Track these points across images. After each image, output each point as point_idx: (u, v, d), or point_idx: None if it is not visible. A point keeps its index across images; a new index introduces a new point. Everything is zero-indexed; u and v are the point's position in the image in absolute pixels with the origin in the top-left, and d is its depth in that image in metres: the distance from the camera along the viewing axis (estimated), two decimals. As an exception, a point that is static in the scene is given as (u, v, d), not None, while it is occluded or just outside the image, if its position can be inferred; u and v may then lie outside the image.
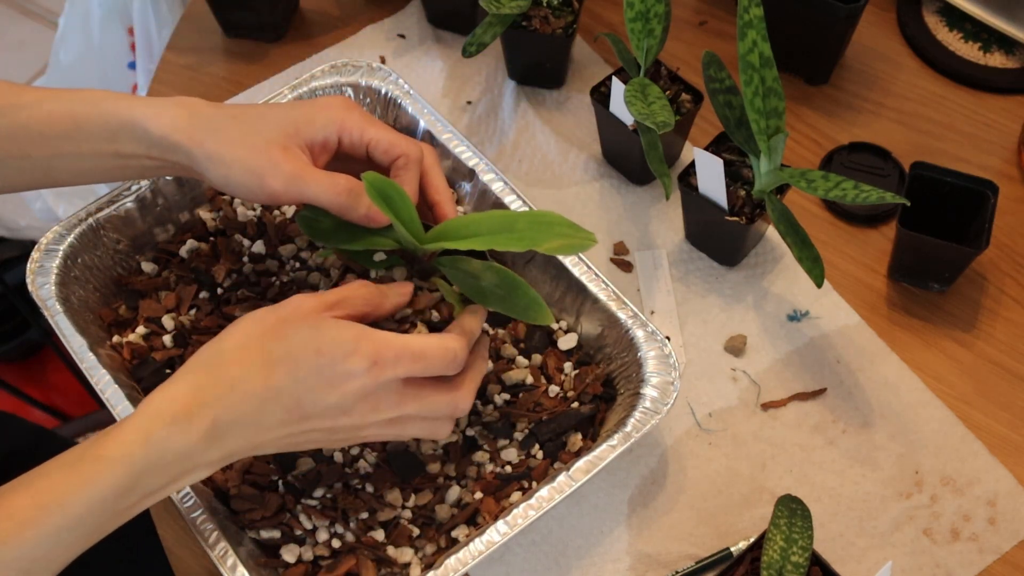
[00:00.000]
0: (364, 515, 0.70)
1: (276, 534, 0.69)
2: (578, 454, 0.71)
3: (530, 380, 0.75)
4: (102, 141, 0.67)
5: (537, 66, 0.95)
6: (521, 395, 0.75)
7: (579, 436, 0.73)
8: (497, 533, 0.66)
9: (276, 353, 0.58)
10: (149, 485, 0.56)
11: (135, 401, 0.71)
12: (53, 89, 0.69)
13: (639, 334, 0.73)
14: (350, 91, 0.86)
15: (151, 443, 0.56)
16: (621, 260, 0.87)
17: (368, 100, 0.86)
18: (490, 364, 0.76)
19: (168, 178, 0.80)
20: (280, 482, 0.71)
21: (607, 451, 0.69)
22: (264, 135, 0.66)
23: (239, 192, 0.67)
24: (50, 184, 0.71)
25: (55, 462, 0.56)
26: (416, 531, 0.70)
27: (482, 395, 0.75)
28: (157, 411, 0.57)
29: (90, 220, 0.78)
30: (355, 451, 0.72)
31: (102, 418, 1.37)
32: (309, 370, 0.58)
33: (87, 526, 0.55)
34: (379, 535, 0.69)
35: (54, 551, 0.55)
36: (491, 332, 0.77)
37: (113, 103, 0.67)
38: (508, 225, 0.64)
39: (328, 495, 0.70)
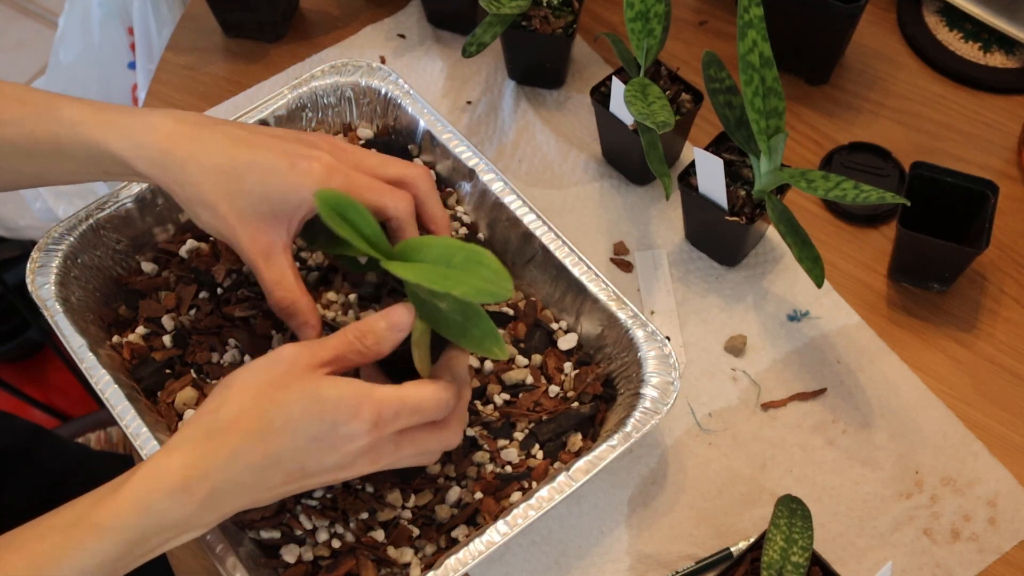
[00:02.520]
0: (364, 515, 0.70)
1: (276, 534, 0.69)
2: (578, 454, 0.71)
3: (530, 380, 0.75)
4: (87, 164, 0.67)
5: (537, 66, 0.95)
6: (521, 395, 0.75)
7: (579, 436, 0.73)
8: (497, 533, 0.66)
9: (276, 422, 0.57)
10: (143, 549, 0.56)
11: (135, 401, 0.71)
12: (32, 102, 0.67)
13: (639, 334, 0.73)
14: (350, 91, 0.85)
15: (149, 514, 0.55)
16: (621, 260, 0.87)
17: (368, 100, 0.86)
18: (489, 364, 0.76)
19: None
20: (280, 482, 0.71)
21: (607, 451, 0.69)
22: (237, 206, 0.65)
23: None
24: (40, 184, 0.72)
25: (50, 522, 0.56)
26: (416, 531, 0.70)
27: (482, 395, 0.75)
28: (156, 482, 0.56)
29: (90, 220, 0.78)
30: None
31: (102, 418, 1.37)
32: (310, 437, 0.57)
33: None
34: (379, 535, 0.69)
35: None
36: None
37: (90, 130, 0.66)
38: (448, 256, 0.62)
39: (328, 495, 0.70)
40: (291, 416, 0.57)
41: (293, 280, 0.66)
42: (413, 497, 0.71)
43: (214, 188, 0.64)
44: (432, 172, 0.73)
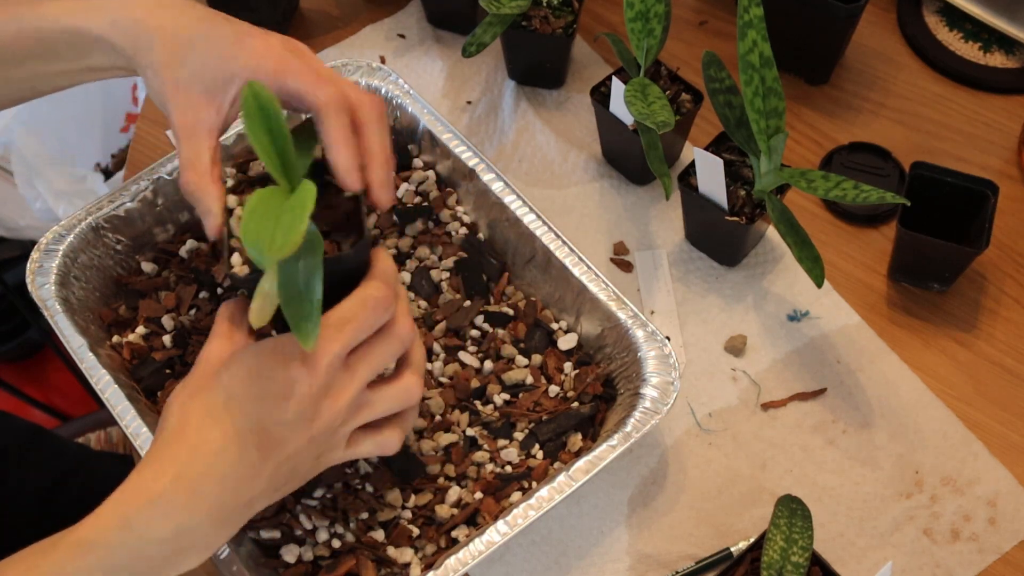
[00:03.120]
0: (364, 515, 0.70)
1: (276, 534, 0.69)
2: (578, 454, 0.71)
3: (530, 380, 0.75)
4: (72, 57, 0.66)
5: (537, 66, 0.95)
6: (521, 395, 0.75)
7: (579, 436, 0.73)
8: (497, 533, 0.66)
9: (217, 402, 0.56)
10: (139, 569, 0.54)
11: (135, 401, 0.71)
12: (15, 3, 0.66)
13: (639, 334, 0.73)
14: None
15: (131, 528, 0.53)
16: (621, 260, 0.87)
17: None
18: (489, 364, 0.76)
19: (168, 177, 0.80)
20: (280, 482, 0.71)
21: (607, 451, 0.69)
22: (177, 74, 0.62)
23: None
24: (35, 96, 0.70)
25: (33, 548, 0.54)
26: (416, 531, 0.70)
27: (482, 395, 0.75)
28: (132, 495, 0.54)
29: (90, 220, 0.78)
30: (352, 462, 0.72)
31: (102, 418, 1.37)
32: (256, 398, 0.55)
33: None
34: (379, 535, 0.69)
35: None
36: (491, 331, 0.77)
37: (72, 18, 0.64)
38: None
39: (328, 495, 0.70)
40: (230, 391, 0.56)
41: (208, 164, 0.61)
42: (413, 497, 0.71)
43: (165, 53, 0.62)
44: (383, 102, 0.66)
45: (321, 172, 0.61)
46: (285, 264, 0.54)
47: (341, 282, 0.58)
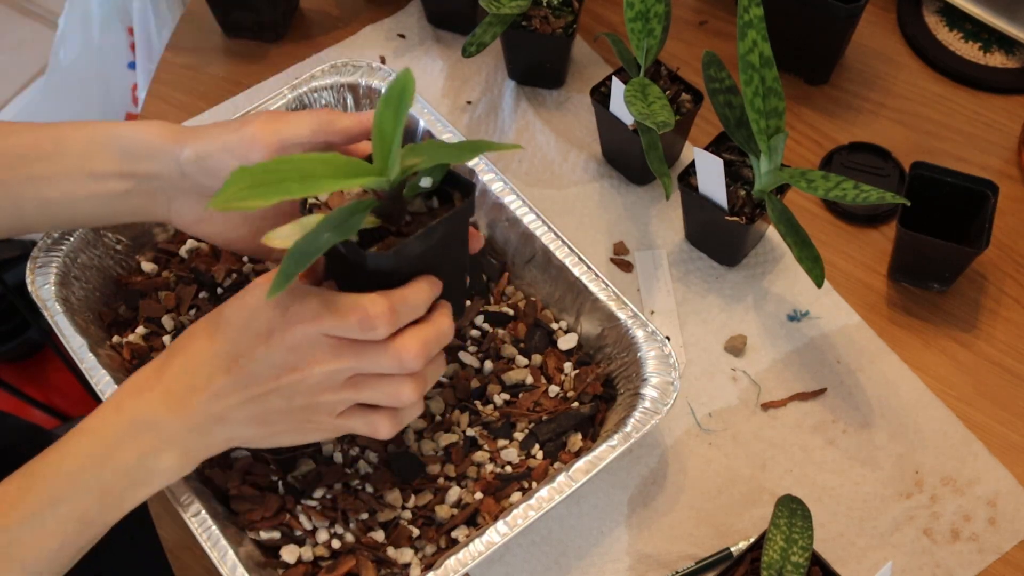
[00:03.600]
0: (364, 515, 0.70)
1: (276, 535, 0.69)
2: (578, 454, 0.71)
3: (530, 380, 0.75)
4: (77, 158, 0.66)
5: (537, 66, 0.95)
6: (521, 395, 0.75)
7: (579, 436, 0.73)
8: (497, 533, 0.66)
9: (216, 320, 0.61)
10: (124, 460, 0.59)
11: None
12: (53, 123, 0.68)
13: (639, 334, 0.73)
14: (350, 91, 0.85)
15: (121, 411, 0.60)
16: (621, 260, 0.87)
17: (368, 100, 0.86)
18: (489, 364, 0.76)
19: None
20: (280, 483, 0.71)
21: (607, 451, 0.69)
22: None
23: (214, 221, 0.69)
24: (19, 224, 0.69)
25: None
26: (416, 531, 0.69)
27: (482, 395, 0.75)
28: (129, 386, 0.61)
29: (90, 220, 0.78)
30: (355, 451, 0.72)
31: (102, 418, 1.37)
32: (240, 328, 0.59)
33: (68, 504, 0.58)
34: (379, 535, 0.69)
35: (40, 535, 0.57)
36: (491, 331, 0.77)
37: (101, 123, 0.68)
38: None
39: (328, 495, 0.70)
40: (226, 314, 0.60)
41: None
42: (413, 497, 0.71)
43: (226, 125, 0.68)
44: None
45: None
46: (321, 227, 0.56)
47: (373, 278, 0.60)
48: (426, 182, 0.61)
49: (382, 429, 0.63)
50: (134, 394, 0.60)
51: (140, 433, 0.59)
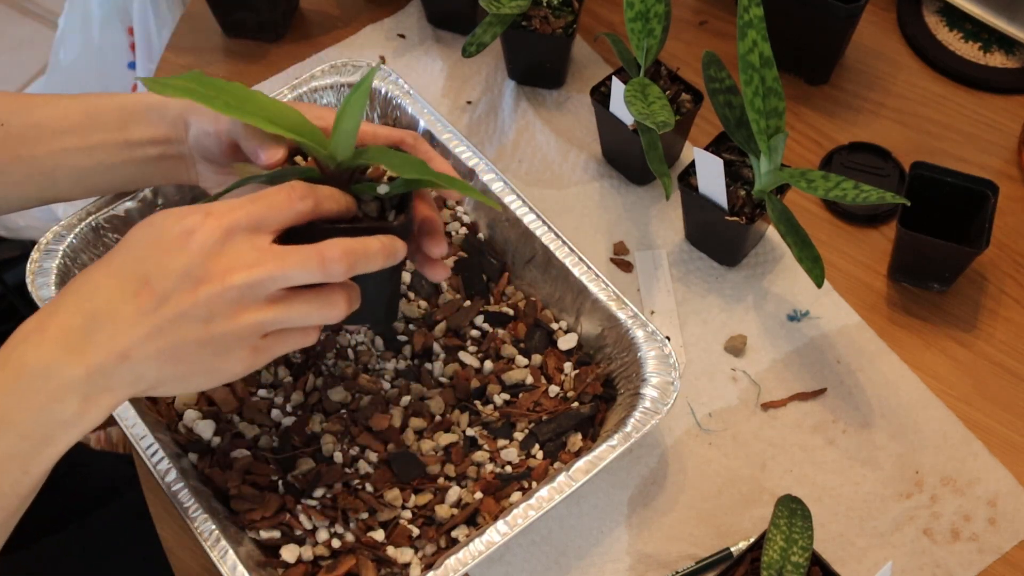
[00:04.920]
0: (364, 515, 0.70)
1: (276, 534, 0.69)
2: (578, 454, 0.71)
3: (530, 380, 0.75)
4: (112, 129, 0.68)
5: (537, 66, 0.95)
6: (521, 395, 0.75)
7: (579, 436, 0.73)
8: (497, 533, 0.66)
9: (115, 250, 0.55)
10: (24, 424, 0.52)
11: (135, 401, 0.71)
12: (75, 95, 0.69)
13: (639, 334, 0.73)
14: (350, 91, 0.85)
15: (7, 364, 0.52)
16: (621, 260, 0.87)
17: (368, 100, 0.86)
18: (489, 364, 0.76)
19: (168, 178, 0.80)
20: (280, 482, 0.71)
21: (607, 451, 0.69)
22: None
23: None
24: (51, 193, 0.70)
25: None
26: (416, 531, 0.69)
27: (482, 395, 0.75)
28: (15, 336, 0.53)
29: (90, 220, 0.78)
30: (355, 451, 0.72)
31: (102, 418, 1.37)
32: (146, 244, 0.54)
33: None
34: (379, 535, 0.69)
35: None
36: (491, 331, 0.77)
37: (128, 94, 0.69)
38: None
39: (328, 495, 0.70)
40: (126, 239, 0.55)
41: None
42: (413, 497, 0.71)
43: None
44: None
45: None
46: (260, 176, 0.63)
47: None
48: (382, 189, 0.61)
49: (308, 339, 0.58)
50: (19, 341, 0.53)
51: (34, 386, 0.52)
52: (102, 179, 0.69)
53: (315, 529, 0.69)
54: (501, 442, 0.73)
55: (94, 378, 0.53)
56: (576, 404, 0.74)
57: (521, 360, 0.77)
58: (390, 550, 0.68)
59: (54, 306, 0.54)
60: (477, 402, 0.75)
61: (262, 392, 0.75)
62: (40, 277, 0.75)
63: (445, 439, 0.73)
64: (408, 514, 0.70)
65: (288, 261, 0.54)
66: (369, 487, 0.71)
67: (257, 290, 0.54)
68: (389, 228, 0.61)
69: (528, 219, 0.78)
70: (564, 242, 0.77)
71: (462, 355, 0.76)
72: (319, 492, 0.70)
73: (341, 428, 0.73)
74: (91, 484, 1.04)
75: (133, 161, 0.69)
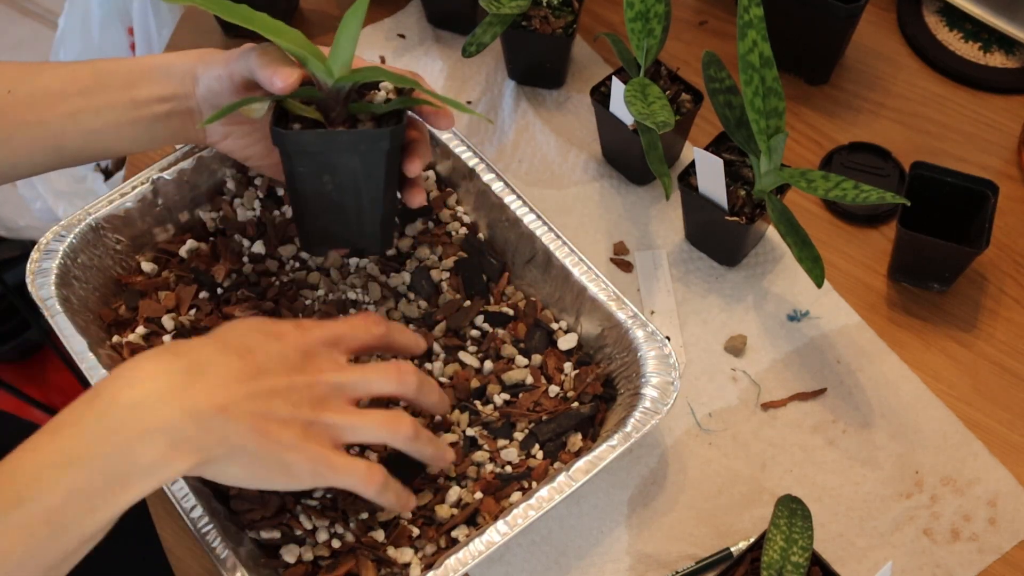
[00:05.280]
0: (364, 515, 0.70)
1: (276, 534, 0.69)
2: (578, 454, 0.71)
3: (530, 380, 0.75)
4: (120, 89, 0.69)
5: (537, 66, 0.95)
6: (521, 395, 0.75)
7: (579, 436, 0.73)
8: (497, 533, 0.66)
9: (215, 331, 0.60)
10: (103, 459, 0.51)
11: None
12: (80, 61, 0.71)
13: (639, 334, 0.73)
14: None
15: (98, 398, 0.52)
16: (621, 260, 0.87)
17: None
18: (489, 364, 0.76)
19: (168, 177, 0.80)
20: (280, 482, 0.71)
21: (607, 451, 0.69)
22: None
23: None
24: (59, 157, 0.71)
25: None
26: (416, 531, 0.70)
27: (482, 395, 0.75)
28: (110, 376, 0.54)
29: (90, 220, 0.78)
30: (355, 452, 0.72)
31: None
32: (245, 329, 0.60)
33: (34, 505, 0.49)
34: (379, 535, 0.69)
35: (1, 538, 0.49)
36: (491, 331, 0.77)
37: (137, 58, 0.71)
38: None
39: (328, 495, 0.70)
40: (232, 324, 0.61)
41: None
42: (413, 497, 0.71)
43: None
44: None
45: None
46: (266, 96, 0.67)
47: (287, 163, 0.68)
48: (379, 103, 0.67)
49: (376, 476, 0.61)
50: (113, 379, 0.53)
51: (121, 418, 0.51)
52: (111, 140, 0.70)
53: (315, 529, 0.69)
54: (501, 442, 0.73)
55: (186, 424, 0.52)
56: (576, 404, 0.74)
57: (521, 360, 0.77)
58: (390, 550, 0.68)
59: (152, 353, 0.55)
60: (477, 402, 0.75)
61: (262, 392, 0.75)
62: (40, 277, 0.75)
63: (445, 439, 0.73)
64: (408, 514, 0.70)
65: (367, 369, 0.62)
66: (369, 487, 0.71)
67: (343, 390, 0.60)
68: (384, 134, 0.65)
69: (528, 219, 0.78)
70: (564, 242, 0.77)
71: (462, 355, 0.76)
72: (319, 492, 0.70)
73: (341, 428, 0.73)
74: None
75: (142, 120, 0.70)
